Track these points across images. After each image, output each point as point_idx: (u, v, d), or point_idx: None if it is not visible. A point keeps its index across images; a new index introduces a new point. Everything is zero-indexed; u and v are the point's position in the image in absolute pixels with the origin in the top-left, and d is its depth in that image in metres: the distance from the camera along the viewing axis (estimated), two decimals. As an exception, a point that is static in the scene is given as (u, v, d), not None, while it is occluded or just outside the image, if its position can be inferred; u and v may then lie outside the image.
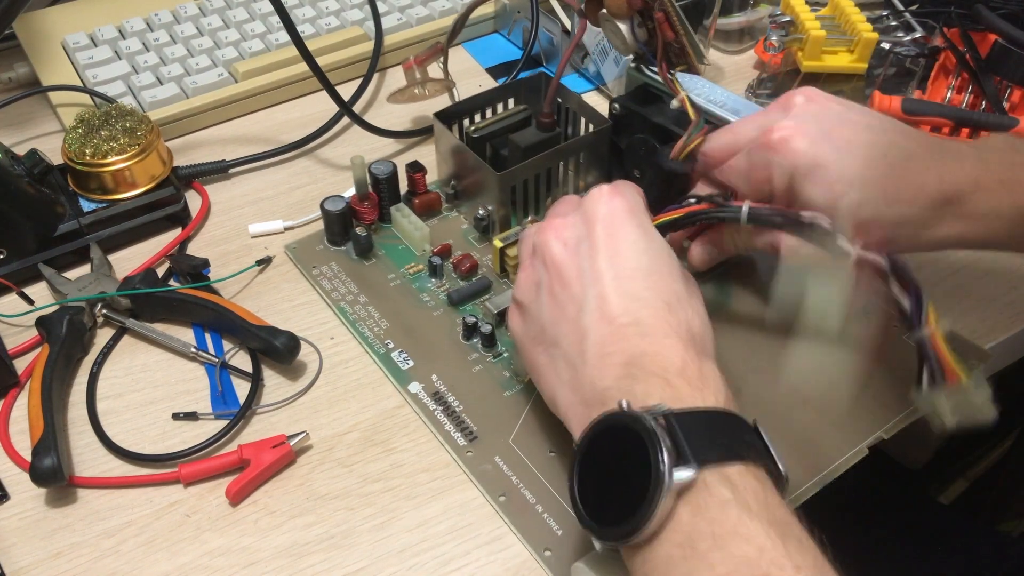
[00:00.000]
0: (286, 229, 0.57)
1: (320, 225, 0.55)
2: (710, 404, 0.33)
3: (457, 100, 0.57)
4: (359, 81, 0.66)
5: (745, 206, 0.42)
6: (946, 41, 0.64)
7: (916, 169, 0.41)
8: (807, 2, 0.66)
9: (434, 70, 0.61)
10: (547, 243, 0.40)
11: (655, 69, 0.51)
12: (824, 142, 0.41)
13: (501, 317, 0.49)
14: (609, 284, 0.37)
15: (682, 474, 0.30)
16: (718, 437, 0.32)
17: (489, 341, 0.48)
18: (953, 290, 0.52)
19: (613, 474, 0.33)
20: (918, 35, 0.63)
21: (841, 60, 0.65)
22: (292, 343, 0.47)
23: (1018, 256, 0.54)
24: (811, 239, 0.40)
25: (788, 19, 0.65)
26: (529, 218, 0.54)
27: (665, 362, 0.35)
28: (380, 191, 0.55)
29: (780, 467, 0.33)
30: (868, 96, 0.63)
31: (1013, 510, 0.92)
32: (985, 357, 0.48)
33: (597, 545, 0.33)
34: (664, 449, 0.30)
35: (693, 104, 0.48)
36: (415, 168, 0.55)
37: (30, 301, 0.52)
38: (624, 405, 0.33)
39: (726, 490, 0.30)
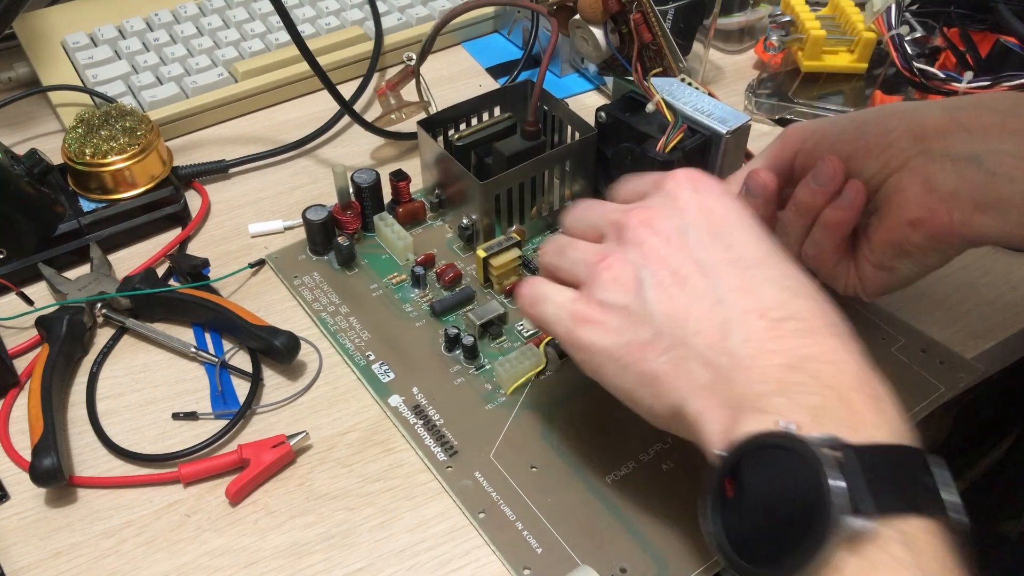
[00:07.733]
0: (286, 229, 0.57)
1: (303, 234, 0.55)
2: (885, 435, 0.29)
3: (435, 111, 0.56)
4: (359, 81, 0.66)
5: None
6: (946, 41, 0.64)
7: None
8: (807, 2, 0.66)
9: (408, 92, 0.60)
10: (644, 237, 0.35)
11: (630, 78, 0.51)
12: None
13: (484, 328, 0.48)
14: (742, 274, 0.33)
15: (857, 524, 0.26)
16: (900, 482, 0.27)
17: (471, 353, 0.47)
18: (953, 290, 0.52)
19: (765, 499, 0.29)
20: (918, 35, 0.63)
21: (841, 60, 0.65)
22: (292, 343, 0.47)
23: (1018, 256, 0.54)
24: None
25: (788, 19, 0.65)
26: (514, 227, 0.53)
27: (839, 372, 0.30)
28: (363, 200, 0.54)
29: (963, 516, 0.28)
30: (869, 96, 0.63)
31: (1013, 511, 0.92)
32: (975, 371, 0.47)
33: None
34: (838, 492, 0.26)
35: (669, 106, 0.49)
36: (399, 176, 0.54)
37: (30, 301, 0.52)
38: (783, 426, 0.28)
39: (902, 550, 0.26)
